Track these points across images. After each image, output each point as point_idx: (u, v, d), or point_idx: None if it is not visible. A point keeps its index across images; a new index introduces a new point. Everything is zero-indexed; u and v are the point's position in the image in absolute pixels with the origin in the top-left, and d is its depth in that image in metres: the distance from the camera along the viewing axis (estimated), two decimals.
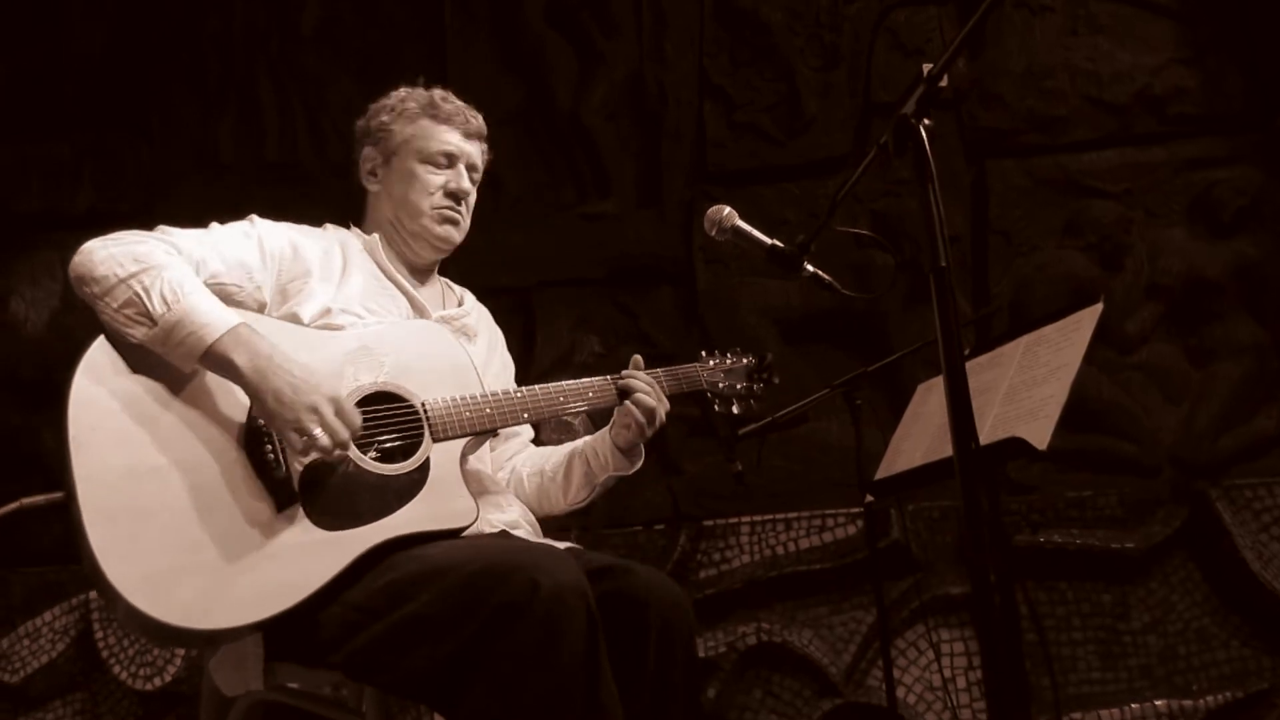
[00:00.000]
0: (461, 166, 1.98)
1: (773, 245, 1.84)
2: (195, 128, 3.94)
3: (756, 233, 1.88)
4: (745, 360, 2.10)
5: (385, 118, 1.97)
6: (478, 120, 2.02)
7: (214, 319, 1.56)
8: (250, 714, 1.70)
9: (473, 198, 2.01)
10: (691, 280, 3.71)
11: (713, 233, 1.92)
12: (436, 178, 1.94)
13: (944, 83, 1.37)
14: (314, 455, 1.56)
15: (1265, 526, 3.22)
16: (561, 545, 1.81)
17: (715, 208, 1.92)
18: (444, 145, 1.96)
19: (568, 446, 2.05)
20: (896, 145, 1.38)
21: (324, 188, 3.85)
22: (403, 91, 2.01)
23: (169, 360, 1.57)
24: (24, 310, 3.83)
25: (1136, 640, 3.18)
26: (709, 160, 3.80)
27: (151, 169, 3.91)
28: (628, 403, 1.88)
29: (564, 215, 3.80)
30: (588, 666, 1.45)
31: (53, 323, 3.80)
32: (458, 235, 1.99)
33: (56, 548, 3.44)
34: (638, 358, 1.96)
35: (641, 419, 1.88)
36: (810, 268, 1.83)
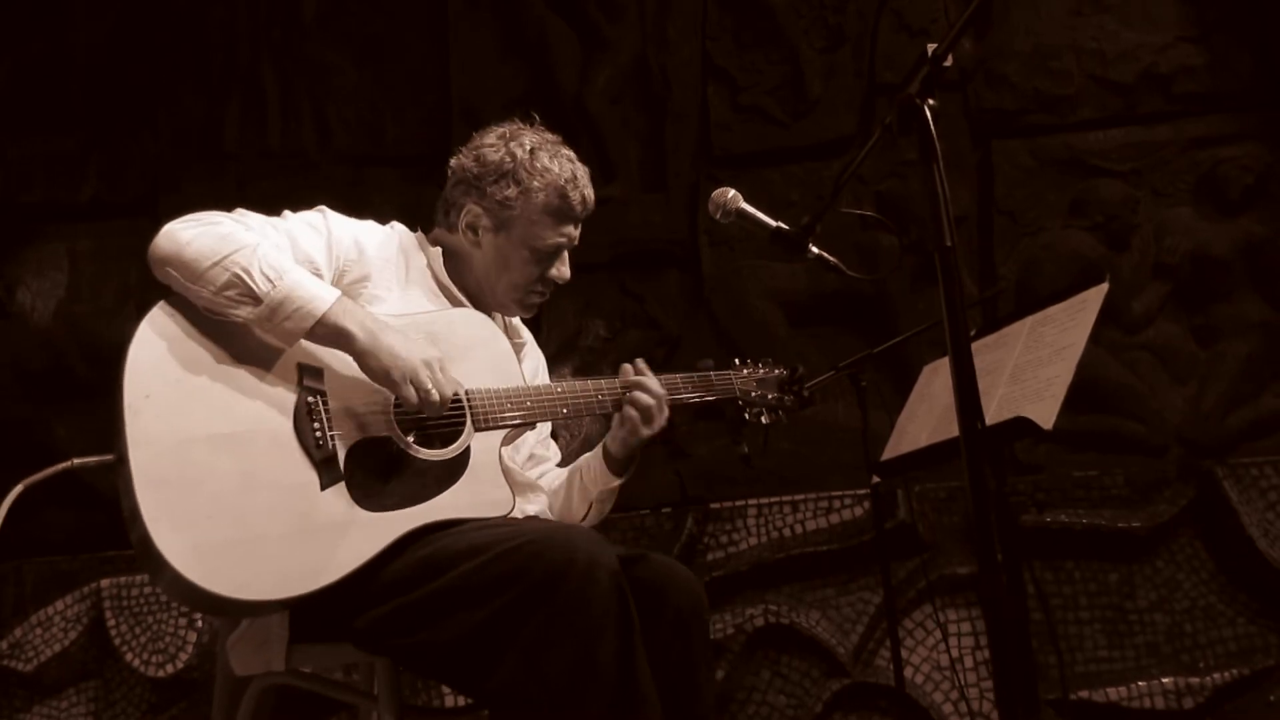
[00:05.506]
0: (566, 252, 1.93)
1: (777, 227, 1.84)
2: (199, 118, 3.94)
3: (761, 215, 1.88)
4: (778, 371, 2.08)
5: (510, 191, 1.84)
6: (592, 202, 1.94)
7: (319, 292, 1.58)
8: (264, 697, 1.71)
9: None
10: (697, 264, 3.71)
11: (717, 216, 1.91)
12: (539, 269, 1.90)
13: (948, 63, 1.36)
14: (412, 413, 1.60)
15: (1271, 505, 3.22)
16: None
17: (720, 191, 1.91)
18: (559, 240, 1.89)
19: (570, 466, 2.04)
20: (901, 126, 1.38)
21: (328, 175, 3.86)
22: (534, 155, 1.86)
23: (271, 335, 1.58)
24: (30, 300, 3.84)
25: (1143, 618, 3.18)
26: (714, 143, 3.80)
27: (156, 159, 3.91)
28: (627, 398, 1.82)
29: None
30: (621, 644, 1.46)
31: (59, 312, 3.81)
32: (534, 311, 1.97)
33: (67, 538, 3.47)
34: (640, 361, 1.90)
35: (635, 416, 1.82)
36: (815, 249, 1.83)
